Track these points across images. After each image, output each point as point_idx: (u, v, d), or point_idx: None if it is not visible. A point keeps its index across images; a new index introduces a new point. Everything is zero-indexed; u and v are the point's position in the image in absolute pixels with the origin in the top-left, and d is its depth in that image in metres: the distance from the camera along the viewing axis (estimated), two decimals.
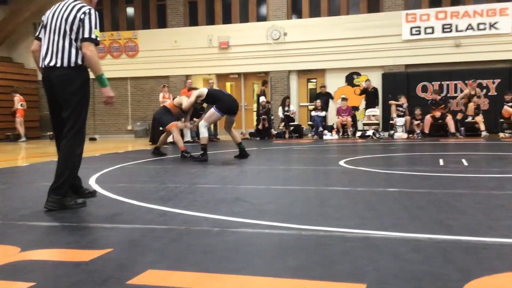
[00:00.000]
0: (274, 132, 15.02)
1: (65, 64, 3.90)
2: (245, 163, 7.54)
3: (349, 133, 14.50)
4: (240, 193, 4.60)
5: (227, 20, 17.57)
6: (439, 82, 15.16)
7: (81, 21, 3.90)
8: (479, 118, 13.42)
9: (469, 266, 2.26)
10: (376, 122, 14.74)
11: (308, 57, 16.25)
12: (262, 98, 15.14)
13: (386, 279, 2.10)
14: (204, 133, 8.02)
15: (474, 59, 14.94)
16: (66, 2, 4.03)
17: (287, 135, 14.88)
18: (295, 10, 17.10)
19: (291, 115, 15.32)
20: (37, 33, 4.14)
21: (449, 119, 13.36)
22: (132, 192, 4.70)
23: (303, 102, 17.10)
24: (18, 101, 16.34)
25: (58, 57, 3.91)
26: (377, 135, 14.12)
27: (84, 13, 3.92)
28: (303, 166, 7.23)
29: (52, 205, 3.85)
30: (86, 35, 3.89)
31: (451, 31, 15.04)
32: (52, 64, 3.92)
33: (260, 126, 14.85)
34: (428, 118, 13.56)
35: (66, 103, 3.94)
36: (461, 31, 14.97)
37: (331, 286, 2.05)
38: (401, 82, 15.39)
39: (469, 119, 13.73)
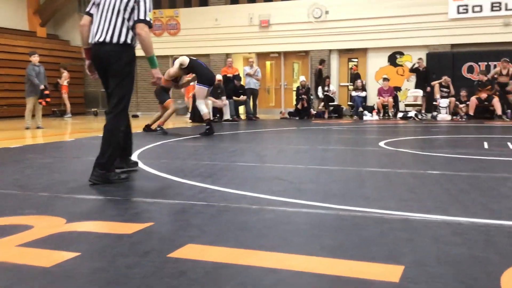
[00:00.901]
0: (313, 112, 14.90)
1: (115, 40, 4.00)
2: (283, 143, 7.53)
3: (390, 114, 14.24)
4: (278, 172, 4.61)
5: None
6: (486, 63, 14.59)
7: (136, 2, 4.01)
8: None
9: (511, 251, 2.21)
10: (419, 103, 14.39)
11: (349, 36, 15.94)
12: (302, 77, 15.02)
13: (425, 261, 2.08)
14: (203, 110, 8.83)
15: None
16: None
17: (326, 115, 14.75)
18: None
19: (331, 95, 15.15)
20: (87, 9, 4.24)
21: (496, 101, 12.89)
22: (173, 169, 4.79)
23: (344, 82, 16.85)
24: (66, 78, 16.74)
25: (108, 33, 4.00)
26: (420, 117, 13.81)
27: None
28: (342, 147, 7.17)
29: (97, 179, 3.98)
30: (142, 16, 4.01)
31: (500, 9, 14.39)
32: (101, 40, 4.01)
33: (299, 106, 14.76)
34: (473, 99, 13.11)
35: (112, 78, 4.07)
36: (510, 9, 14.31)
37: (367, 266, 2.05)
38: (446, 62, 14.90)
39: None
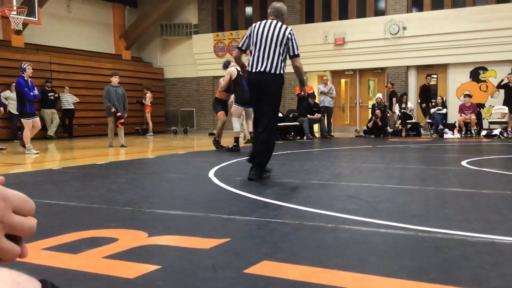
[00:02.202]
0: (390, 129, 14.56)
1: (273, 71, 5.05)
2: (359, 161, 7.40)
3: (473, 132, 13.58)
4: (354, 191, 4.54)
5: (343, 15, 17.33)
6: None
7: (289, 39, 5.06)
8: None
9: None
10: (504, 120, 13.62)
11: (428, 51, 15.48)
12: (378, 95, 14.75)
13: (511, 286, 1.96)
14: (236, 128, 9.39)
15: None
16: (271, 22, 5.15)
17: (403, 133, 14.34)
18: (416, 3, 16.36)
19: (409, 112, 14.72)
20: (239, 45, 5.33)
21: None
22: (248, 186, 4.86)
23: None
24: (150, 98, 17.51)
25: (268, 64, 5.04)
26: (505, 135, 13.05)
27: (290, 33, 5.09)
28: (421, 166, 6.92)
29: (255, 176, 5.10)
30: (296, 52, 5.12)
31: None
32: (263, 69, 5.05)
33: (369, 125, 14.41)
34: None
35: (268, 100, 5.11)
36: None
37: None
38: None
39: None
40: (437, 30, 15.25)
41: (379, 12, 16.82)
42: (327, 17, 17.64)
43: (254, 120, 5.42)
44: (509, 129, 13.37)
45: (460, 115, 13.88)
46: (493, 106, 14.41)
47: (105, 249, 2.64)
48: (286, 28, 5.12)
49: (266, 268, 2.27)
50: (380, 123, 14.36)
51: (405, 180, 5.36)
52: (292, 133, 14.01)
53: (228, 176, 5.72)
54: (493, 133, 13.16)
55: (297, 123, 13.99)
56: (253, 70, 5.13)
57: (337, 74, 17.54)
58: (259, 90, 5.12)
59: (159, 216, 3.55)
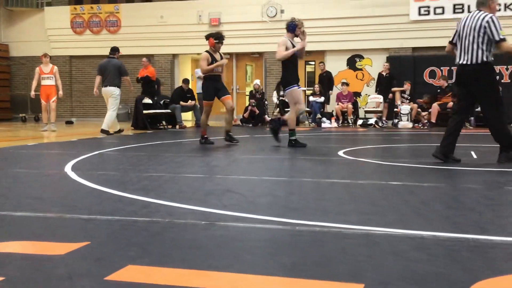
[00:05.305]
0: (268, 118, 15.02)
1: (474, 61, 5.65)
2: (236, 152, 7.54)
3: (350, 121, 14.53)
4: (230, 184, 4.60)
5: None
6: (448, 67, 15.15)
7: (487, 27, 5.60)
8: None
9: (476, 266, 2.29)
10: (379, 109, 14.76)
11: (307, 37, 16.17)
12: (256, 81, 15.12)
13: (387, 279, 2.12)
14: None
15: None
16: (473, 14, 5.80)
17: None
18: None
19: (287, 100, 15.31)
20: (451, 39, 6.02)
21: None
22: (112, 181, 4.70)
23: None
24: None
25: (468, 57, 5.70)
26: (380, 124, 14.16)
27: (487, 21, 5.60)
28: (299, 156, 7.24)
29: (506, 160, 5.75)
30: (496, 38, 5.58)
31: (463, 11, 15.02)
32: (464, 62, 5.72)
33: (245, 115, 14.75)
34: (435, 106, 13.58)
35: (478, 91, 5.73)
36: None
37: (327, 285, 2.06)
38: (407, 67, 15.38)
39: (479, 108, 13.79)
40: (315, 15, 15.99)
41: None
42: None
43: (459, 109, 6.00)
44: (384, 118, 14.53)
45: (338, 104, 14.76)
46: (369, 95, 15.53)
47: None
48: (484, 17, 5.68)
49: (131, 273, 2.21)
50: (257, 111, 14.73)
51: (283, 172, 5.57)
52: (164, 122, 13.84)
53: (89, 170, 5.48)
54: (368, 122, 14.21)
55: (169, 110, 13.84)
56: (458, 63, 5.88)
57: None
58: (464, 82, 5.82)
59: (2, 218, 3.29)
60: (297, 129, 8.32)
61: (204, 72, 8.56)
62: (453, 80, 14.26)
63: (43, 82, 12.37)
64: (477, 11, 5.81)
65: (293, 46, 8.01)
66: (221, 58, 8.69)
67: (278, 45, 8.03)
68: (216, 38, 8.54)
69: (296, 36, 8.10)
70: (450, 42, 6.06)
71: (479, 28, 5.63)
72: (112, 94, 11.02)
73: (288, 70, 8.07)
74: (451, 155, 5.89)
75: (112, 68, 11.03)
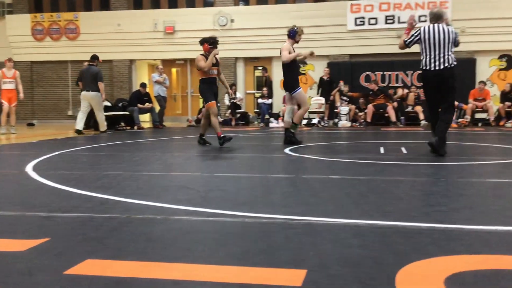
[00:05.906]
0: (220, 119, 14.97)
1: (448, 66, 6.06)
2: (191, 151, 7.48)
3: None
4: (185, 181, 4.56)
5: (173, 4, 17.25)
6: (381, 72, 15.56)
7: (456, 36, 6.15)
8: (419, 108, 13.92)
9: (405, 250, 2.35)
10: (321, 110, 14.98)
11: (255, 44, 16.24)
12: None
13: (327, 264, 2.15)
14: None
15: (416, 50, 15.38)
16: (438, 26, 6.13)
17: (233, 123, 14.88)
18: None
19: (238, 102, 15.31)
20: (407, 42, 6.41)
21: (390, 109, 13.77)
22: (72, 180, 4.56)
23: (250, 89, 17.11)
24: None
25: (444, 62, 6.06)
26: (322, 123, 14.38)
27: (455, 33, 6.18)
28: (249, 154, 7.25)
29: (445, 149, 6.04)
30: (459, 44, 6.25)
31: (393, 22, 15.46)
32: (442, 67, 6.06)
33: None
34: (370, 107, 13.91)
35: (446, 90, 6.11)
36: (403, 22, 15.37)
37: (272, 272, 2.07)
38: (345, 72, 15.68)
39: (409, 108, 14.22)
40: (262, 24, 16.07)
41: (208, 3, 17.12)
42: (156, 5, 17.37)
43: (431, 113, 6.46)
44: (326, 118, 14.77)
45: (284, 105, 14.86)
46: (312, 97, 15.72)
47: None
48: (451, 29, 6.17)
49: (89, 267, 2.15)
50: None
51: (234, 169, 5.57)
52: (122, 123, 13.57)
53: (48, 169, 5.30)
54: (312, 122, 14.40)
55: (127, 112, 13.57)
56: (429, 68, 6.14)
57: (168, 63, 17.40)
58: (435, 85, 6.14)
59: None
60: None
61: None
62: (385, 83, 14.68)
63: (4, 86, 11.91)
64: (438, 25, 6.15)
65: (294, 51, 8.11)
66: (216, 61, 8.43)
67: (283, 50, 8.07)
68: (211, 43, 8.35)
69: (297, 42, 8.13)
70: (405, 43, 6.41)
71: (453, 39, 6.11)
72: (92, 99, 11.33)
73: (291, 74, 8.21)
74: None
75: (90, 75, 11.34)
